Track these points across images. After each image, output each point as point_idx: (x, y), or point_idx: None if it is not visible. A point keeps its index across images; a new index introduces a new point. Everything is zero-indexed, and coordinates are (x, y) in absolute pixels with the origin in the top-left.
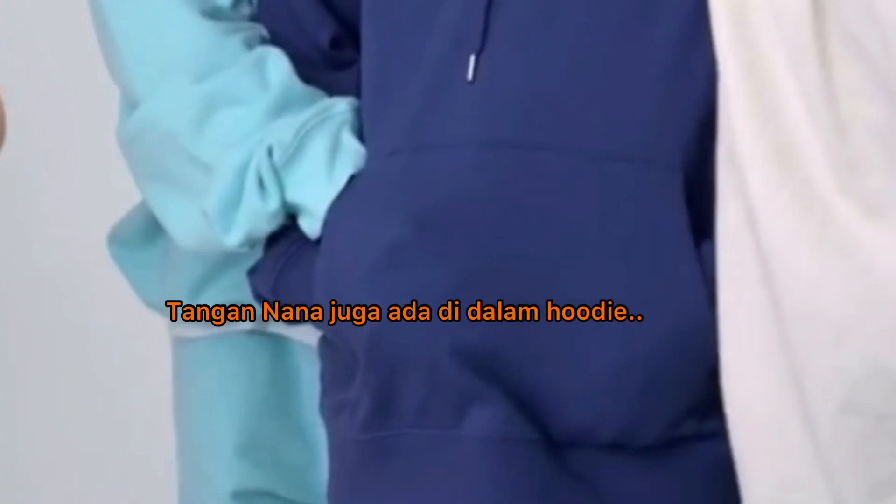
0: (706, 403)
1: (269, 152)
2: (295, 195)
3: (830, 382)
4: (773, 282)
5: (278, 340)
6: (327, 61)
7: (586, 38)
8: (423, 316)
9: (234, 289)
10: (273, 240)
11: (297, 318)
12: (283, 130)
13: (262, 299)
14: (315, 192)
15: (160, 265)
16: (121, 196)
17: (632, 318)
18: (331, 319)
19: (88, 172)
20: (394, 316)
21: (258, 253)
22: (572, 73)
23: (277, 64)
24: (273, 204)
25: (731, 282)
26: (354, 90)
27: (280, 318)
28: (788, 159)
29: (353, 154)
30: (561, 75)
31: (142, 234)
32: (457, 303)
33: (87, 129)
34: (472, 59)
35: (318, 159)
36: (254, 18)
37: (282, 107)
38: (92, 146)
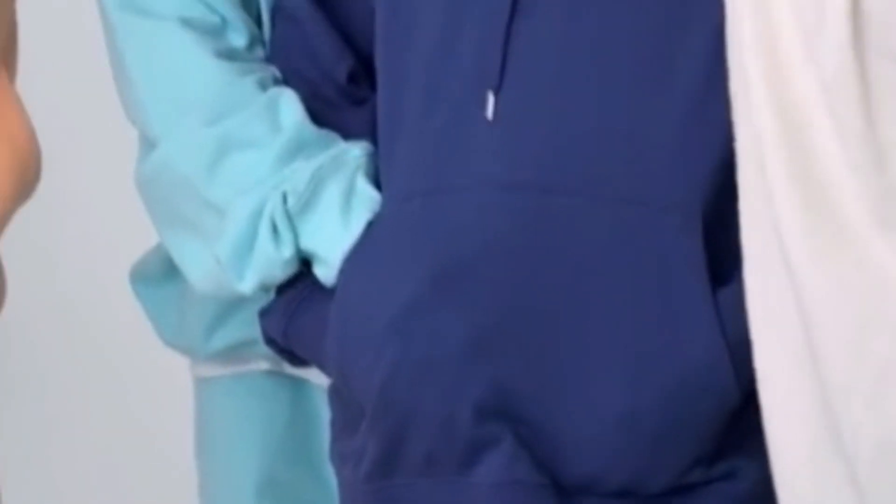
0: (717, 450)
1: (284, 199)
2: (309, 243)
3: (868, 424)
4: (811, 325)
5: (297, 382)
6: (344, 97)
7: (606, 78)
8: (439, 371)
9: (252, 325)
10: (285, 283)
11: (308, 362)
12: (298, 176)
13: (272, 343)
14: (330, 240)
15: (179, 303)
16: (146, 227)
17: (644, 364)
18: (342, 370)
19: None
20: (408, 371)
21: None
22: (593, 114)
23: (290, 106)
24: (287, 251)
25: (766, 324)
26: (370, 127)
27: (290, 362)
28: (823, 202)
29: (368, 200)
30: (581, 116)
31: (161, 273)
32: (473, 356)
33: (114, 162)
34: (491, 97)
35: (332, 206)
36: (268, 59)
37: (294, 150)
38: (117, 178)
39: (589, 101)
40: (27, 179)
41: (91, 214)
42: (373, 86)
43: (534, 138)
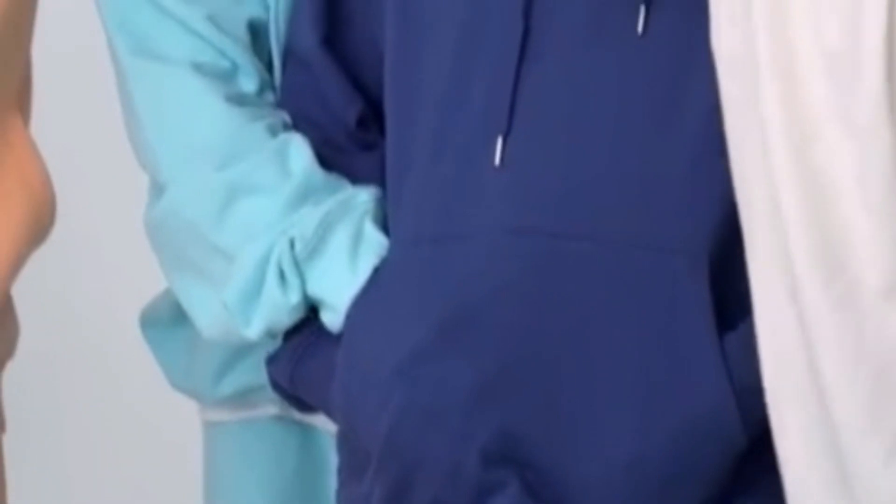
0: (723, 494)
1: (291, 245)
2: (316, 289)
3: (885, 477)
4: (824, 389)
5: (306, 427)
6: (353, 142)
7: (615, 123)
8: (445, 417)
9: (260, 371)
10: (292, 329)
11: (315, 408)
12: (306, 222)
13: (279, 388)
14: (337, 286)
15: (188, 348)
16: (157, 271)
17: (651, 408)
18: (348, 417)
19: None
20: (415, 417)
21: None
22: (601, 159)
23: (299, 151)
24: (294, 297)
25: (778, 374)
26: (380, 172)
27: (297, 407)
28: (837, 253)
29: (375, 245)
30: (589, 161)
31: (171, 317)
32: (480, 402)
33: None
34: (500, 142)
35: (340, 253)
36: (279, 103)
37: (303, 196)
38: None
39: (596, 145)
40: (42, 224)
41: (103, 258)
42: (382, 130)
43: (541, 183)
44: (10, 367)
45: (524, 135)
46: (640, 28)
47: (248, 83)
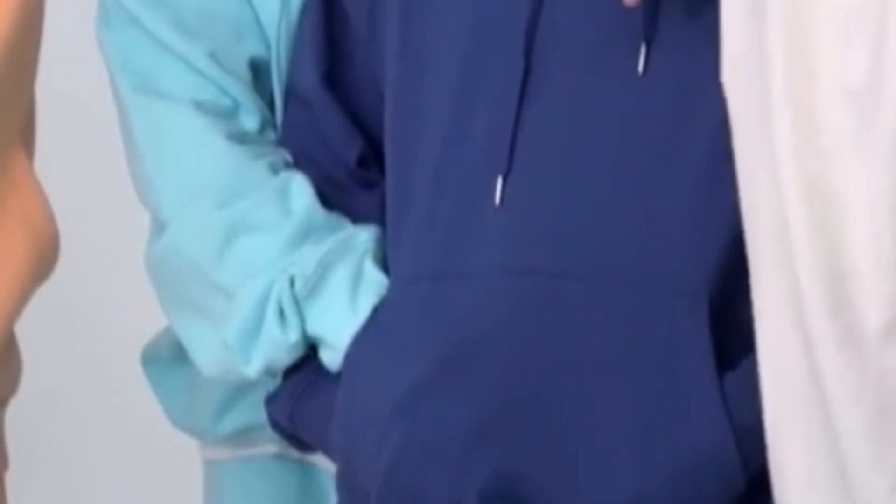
0: None
1: (291, 283)
2: (316, 327)
3: None
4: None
5: (306, 466)
6: (354, 181)
7: (615, 163)
8: (444, 455)
9: (260, 409)
10: (292, 367)
11: (314, 447)
12: (306, 261)
13: (278, 428)
14: (337, 325)
15: (188, 386)
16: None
17: (650, 447)
18: (347, 455)
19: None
20: (413, 455)
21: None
22: (600, 200)
23: (301, 190)
24: (293, 335)
25: (781, 402)
26: (380, 211)
27: (296, 447)
28: (844, 288)
29: (375, 284)
30: (589, 201)
31: (171, 355)
32: (479, 440)
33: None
34: (500, 181)
35: (340, 291)
36: (280, 142)
37: (304, 235)
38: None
39: (596, 185)
40: (45, 261)
41: (105, 295)
42: (383, 169)
43: (541, 223)
44: (13, 403)
45: (524, 174)
46: (640, 67)
47: (250, 121)
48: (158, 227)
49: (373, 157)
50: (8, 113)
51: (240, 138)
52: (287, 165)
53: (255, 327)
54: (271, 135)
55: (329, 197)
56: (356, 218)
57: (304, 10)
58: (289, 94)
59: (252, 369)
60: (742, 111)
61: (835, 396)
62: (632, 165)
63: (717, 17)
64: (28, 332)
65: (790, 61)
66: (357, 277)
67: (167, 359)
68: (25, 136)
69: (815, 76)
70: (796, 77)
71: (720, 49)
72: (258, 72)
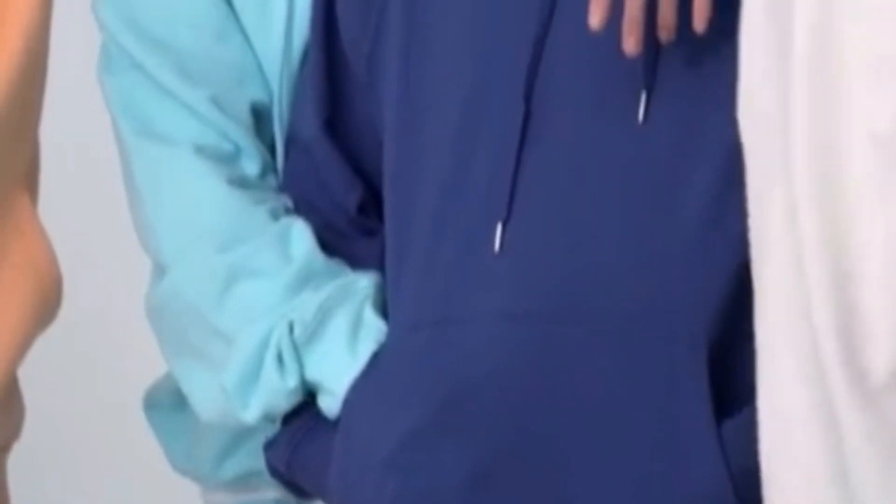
0: None
1: (291, 329)
2: (315, 373)
3: None
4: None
5: None
6: (354, 227)
7: (614, 210)
8: (441, 503)
9: (261, 455)
10: (290, 414)
11: (312, 494)
12: (305, 307)
13: (277, 474)
14: (336, 371)
15: (190, 431)
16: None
17: (648, 493)
18: (345, 502)
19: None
20: (410, 503)
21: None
22: (599, 246)
23: (301, 236)
24: (292, 381)
25: (781, 438)
26: (380, 258)
27: (295, 494)
28: (854, 334)
29: (374, 331)
30: (588, 248)
31: (173, 400)
32: (475, 488)
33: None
34: (499, 228)
35: (339, 338)
36: (281, 187)
37: (304, 281)
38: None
39: (595, 232)
40: (49, 305)
41: (108, 339)
42: (383, 216)
43: (540, 269)
44: (16, 447)
45: (524, 220)
46: (640, 115)
47: (251, 166)
48: (159, 271)
49: (373, 204)
50: (12, 156)
51: (241, 183)
52: (288, 211)
53: (253, 372)
54: (272, 180)
55: (329, 243)
56: (356, 264)
57: (305, 57)
58: (290, 140)
59: (250, 415)
60: (756, 147)
61: (847, 434)
62: (631, 212)
63: (718, 66)
64: (30, 376)
65: (813, 102)
66: (356, 324)
67: (169, 404)
68: (29, 180)
69: (839, 121)
70: (819, 119)
71: (722, 96)
72: (259, 117)
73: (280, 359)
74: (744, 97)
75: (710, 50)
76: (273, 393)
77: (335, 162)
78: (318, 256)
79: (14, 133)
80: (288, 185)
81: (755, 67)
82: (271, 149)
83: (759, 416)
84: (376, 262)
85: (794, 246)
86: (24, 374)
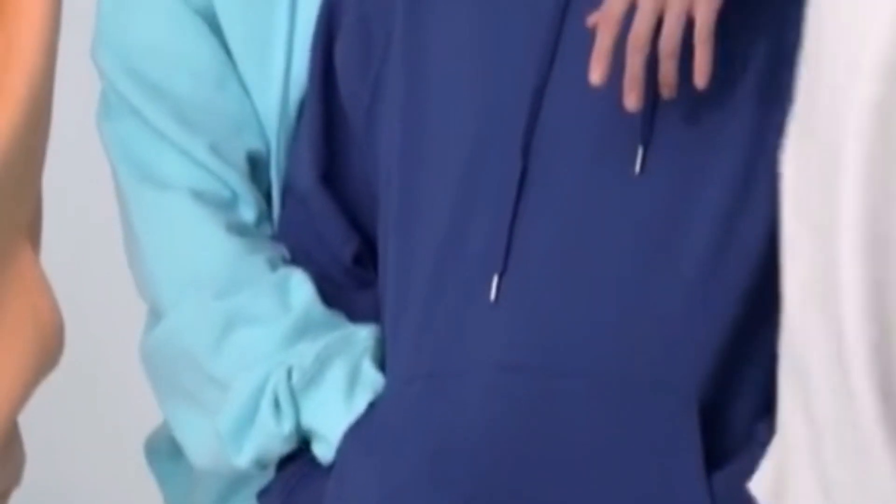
0: None
1: (289, 375)
2: (310, 420)
3: None
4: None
5: None
6: (349, 279)
7: (609, 262)
8: None
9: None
10: (284, 461)
11: None
12: (304, 354)
13: None
14: (331, 418)
15: (188, 478)
16: None
17: None
18: None
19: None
20: None
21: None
22: (595, 298)
23: (301, 287)
24: (287, 426)
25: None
26: (376, 310)
27: None
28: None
29: (371, 383)
30: (583, 300)
31: (171, 448)
32: None
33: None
34: (496, 280)
35: (336, 385)
36: (275, 236)
37: (302, 330)
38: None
39: (591, 284)
40: (50, 354)
41: (110, 386)
42: (378, 268)
43: (535, 321)
44: (16, 494)
45: (520, 272)
46: (637, 168)
47: (248, 213)
48: (154, 316)
49: (369, 256)
50: (15, 205)
51: (238, 230)
52: (284, 261)
53: (249, 417)
54: (268, 228)
55: (325, 295)
56: (352, 316)
57: (302, 107)
58: (286, 190)
59: (243, 460)
60: (797, 185)
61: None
62: (627, 265)
63: (716, 117)
64: (31, 423)
65: (869, 170)
66: (354, 374)
67: (167, 451)
68: (32, 229)
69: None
70: (874, 187)
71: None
72: (255, 165)
73: (276, 404)
74: (793, 129)
75: (708, 101)
76: (267, 438)
77: (331, 214)
78: (318, 307)
79: (17, 181)
80: (284, 234)
81: (807, 98)
82: (266, 198)
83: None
84: (371, 314)
85: (837, 308)
86: (25, 420)
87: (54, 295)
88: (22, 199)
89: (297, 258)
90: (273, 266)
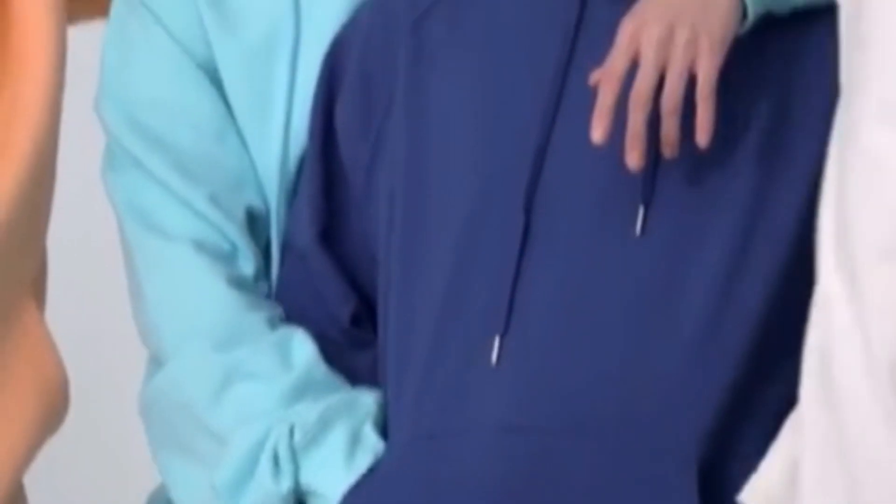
0: None
1: (291, 433)
2: (310, 479)
3: None
4: None
5: None
6: (347, 339)
7: (609, 326)
8: None
9: None
10: None
11: None
12: (307, 413)
13: None
14: (332, 477)
15: None
16: None
17: None
18: None
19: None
20: None
21: None
22: (594, 360)
23: (303, 346)
24: (285, 484)
25: None
26: (372, 370)
27: None
28: None
29: (373, 447)
30: (583, 361)
31: None
32: None
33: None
34: (497, 341)
35: (337, 447)
36: (272, 296)
37: (302, 389)
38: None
39: (591, 345)
40: (55, 412)
41: (114, 444)
42: (376, 328)
43: (536, 381)
44: None
45: (521, 333)
46: (638, 228)
47: (247, 267)
48: (156, 364)
49: (367, 315)
50: (20, 262)
51: (238, 283)
52: (282, 320)
53: (247, 473)
54: (265, 286)
55: (322, 353)
56: (350, 375)
57: (301, 163)
58: (285, 247)
59: None
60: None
61: None
62: (627, 326)
63: (717, 176)
64: (36, 481)
65: None
66: (356, 438)
67: None
68: (37, 286)
69: None
70: None
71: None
72: (253, 221)
73: (276, 461)
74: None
75: (710, 160)
76: (265, 495)
77: (330, 273)
78: (320, 367)
79: (22, 238)
80: (283, 291)
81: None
82: (265, 254)
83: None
84: (369, 374)
85: None
86: (30, 479)
87: (59, 352)
88: (27, 255)
89: (295, 316)
90: (272, 325)
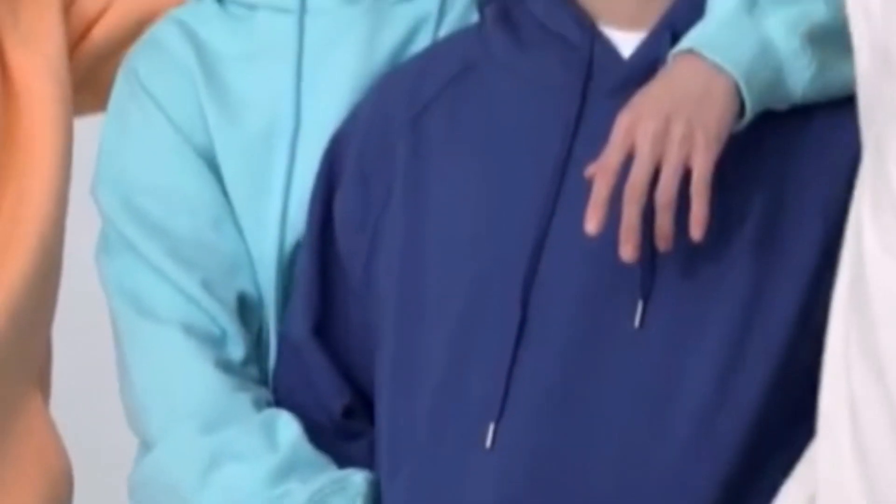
0: None
1: None
2: None
3: None
4: None
5: None
6: (339, 431)
7: (603, 416)
8: None
9: None
10: None
11: None
12: (296, 495)
13: None
14: None
15: None
16: None
17: None
18: None
19: None
20: None
21: None
22: (588, 447)
23: (288, 427)
24: None
25: None
26: (365, 462)
27: None
28: None
29: None
30: (577, 448)
31: None
32: None
33: None
34: (492, 427)
35: None
36: (260, 381)
37: (289, 470)
38: None
39: (584, 432)
40: (59, 499)
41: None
42: (370, 417)
43: (529, 465)
44: None
45: (516, 419)
46: (636, 322)
47: (236, 352)
48: (145, 448)
49: (360, 406)
50: (25, 354)
51: (226, 367)
52: (269, 404)
53: None
54: (254, 371)
55: (315, 444)
56: (341, 464)
57: (296, 252)
58: (281, 338)
59: None
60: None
61: None
62: (621, 418)
63: (714, 267)
64: None
65: None
66: None
67: None
68: (42, 376)
69: None
70: None
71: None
72: (245, 308)
73: None
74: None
75: (706, 253)
76: None
77: (324, 366)
78: (306, 447)
79: (28, 330)
80: (278, 381)
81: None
82: (257, 340)
83: None
84: (362, 465)
85: None
86: None
87: (62, 441)
88: (31, 346)
89: (289, 405)
90: (258, 406)
